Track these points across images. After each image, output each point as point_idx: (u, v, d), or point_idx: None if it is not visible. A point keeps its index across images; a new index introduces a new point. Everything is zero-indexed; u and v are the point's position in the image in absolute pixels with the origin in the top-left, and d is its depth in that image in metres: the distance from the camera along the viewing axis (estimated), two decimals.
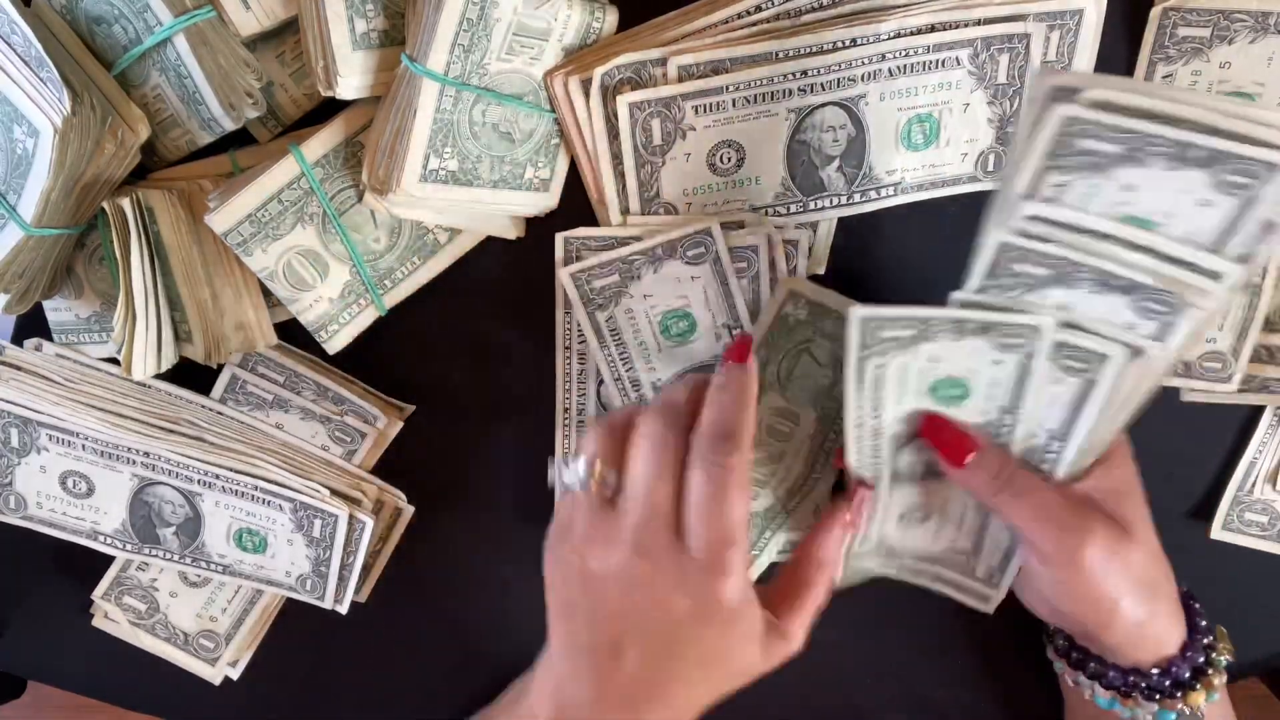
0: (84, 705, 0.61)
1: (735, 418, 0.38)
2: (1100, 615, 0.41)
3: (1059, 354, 0.37)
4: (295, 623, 0.55)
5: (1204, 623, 0.43)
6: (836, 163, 0.46)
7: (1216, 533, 0.49)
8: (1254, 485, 0.49)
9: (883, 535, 0.46)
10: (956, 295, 0.38)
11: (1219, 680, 0.41)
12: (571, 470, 0.40)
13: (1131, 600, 0.40)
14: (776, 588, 0.41)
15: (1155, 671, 0.41)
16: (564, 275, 0.47)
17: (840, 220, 0.48)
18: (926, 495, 0.45)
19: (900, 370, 0.39)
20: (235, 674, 0.56)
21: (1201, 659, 0.41)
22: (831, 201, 0.47)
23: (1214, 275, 0.34)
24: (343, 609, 0.52)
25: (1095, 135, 0.33)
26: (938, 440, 0.41)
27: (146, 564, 0.54)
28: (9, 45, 0.42)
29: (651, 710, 0.38)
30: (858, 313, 0.37)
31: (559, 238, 0.48)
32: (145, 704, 0.57)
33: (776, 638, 0.39)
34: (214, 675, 0.55)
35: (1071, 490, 0.41)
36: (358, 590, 0.53)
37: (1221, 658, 0.42)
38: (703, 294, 0.47)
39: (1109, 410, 0.38)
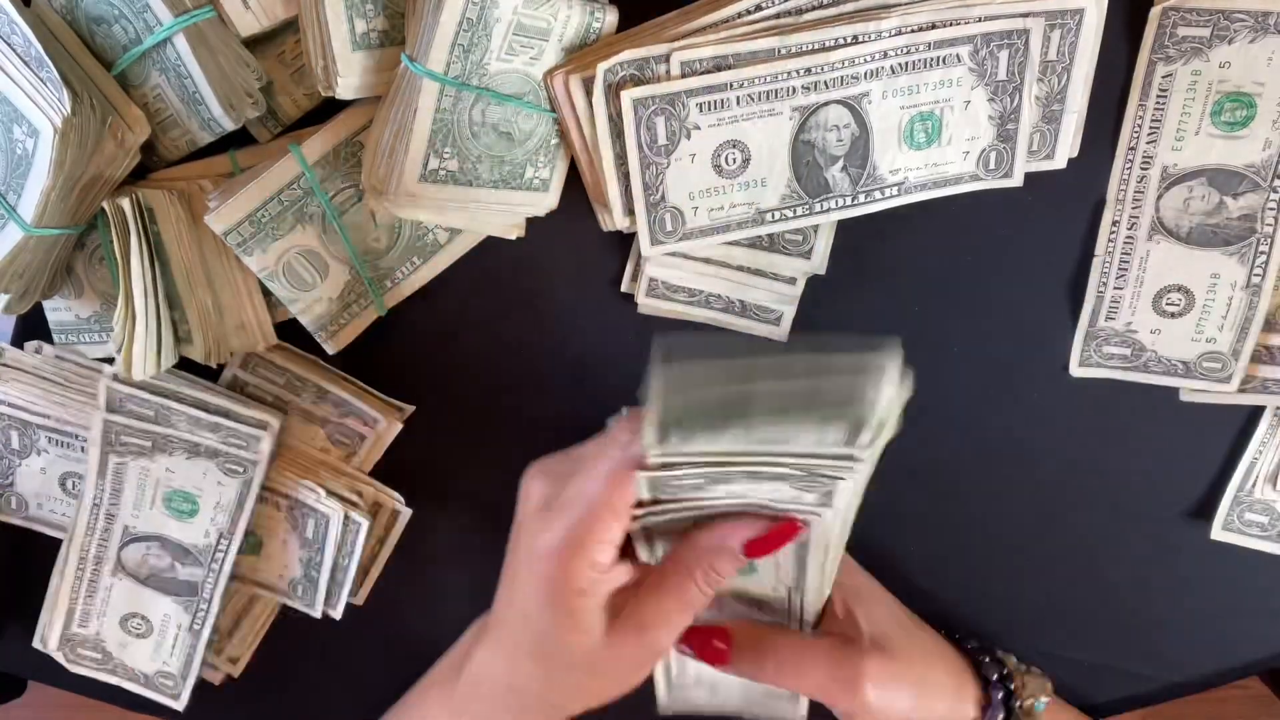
0: (84, 705, 0.61)
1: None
2: None
3: None
4: (296, 621, 0.55)
5: (995, 676, 0.44)
6: (841, 163, 0.46)
7: (1216, 533, 0.49)
8: (1254, 485, 0.49)
9: (700, 671, 0.46)
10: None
11: None
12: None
13: (911, 709, 0.42)
14: (645, 582, 0.39)
15: None
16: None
17: (840, 220, 0.48)
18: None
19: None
20: (236, 672, 0.56)
21: (1001, 714, 0.43)
22: (837, 203, 0.47)
23: (848, 459, 0.33)
24: (335, 614, 0.52)
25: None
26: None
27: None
28: (9, 45, 0.42)
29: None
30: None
31: None
32: (145, 704, 0.56)
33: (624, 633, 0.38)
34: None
35: (827, 643, 0.43)
36: (355, 593, 0.52)
37: (1031, 699, 0.43)
38: None
39: (824, 560, 0.40)
